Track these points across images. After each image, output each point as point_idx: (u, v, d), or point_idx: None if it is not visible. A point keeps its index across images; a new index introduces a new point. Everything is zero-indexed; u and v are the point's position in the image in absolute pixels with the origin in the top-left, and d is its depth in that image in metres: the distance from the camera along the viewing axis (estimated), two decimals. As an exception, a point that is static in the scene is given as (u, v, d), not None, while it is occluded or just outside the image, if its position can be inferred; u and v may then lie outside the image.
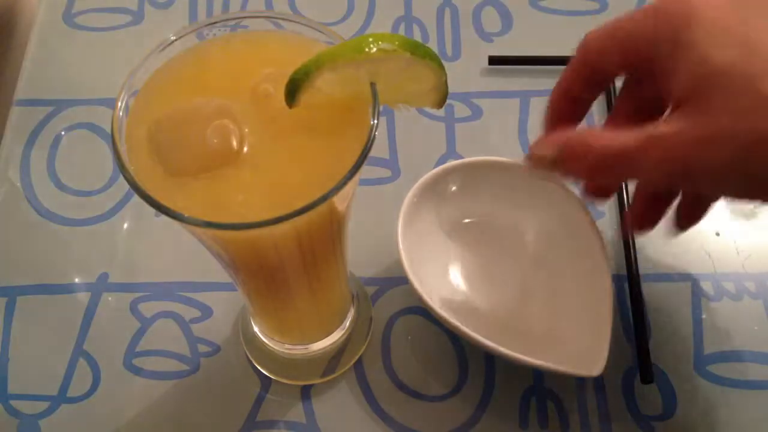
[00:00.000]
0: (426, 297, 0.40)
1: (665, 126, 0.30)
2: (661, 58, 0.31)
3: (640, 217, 0.39)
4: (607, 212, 0.49)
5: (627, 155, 0.31)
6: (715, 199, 0.39)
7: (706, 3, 0.30)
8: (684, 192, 0.38)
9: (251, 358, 0.45)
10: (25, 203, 0.50)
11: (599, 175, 0.34)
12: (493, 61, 0.55)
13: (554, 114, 0.37)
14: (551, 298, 0.43)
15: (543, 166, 0.34)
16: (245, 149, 0.30)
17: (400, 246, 0.41)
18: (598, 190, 0.39)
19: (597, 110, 0.53)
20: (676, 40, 0.30)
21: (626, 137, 0.31)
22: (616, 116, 0.37)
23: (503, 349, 0.39)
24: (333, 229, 0.33)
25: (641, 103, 0.36)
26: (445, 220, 0.45)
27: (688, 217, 0.39)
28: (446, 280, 0.44)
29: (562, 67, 0.57)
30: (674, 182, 0.34)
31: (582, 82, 0.36)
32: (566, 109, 0.37)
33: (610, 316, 0.40)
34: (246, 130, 0.30)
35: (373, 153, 0.29)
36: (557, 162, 0.33)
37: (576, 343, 0.40)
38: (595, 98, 0.37)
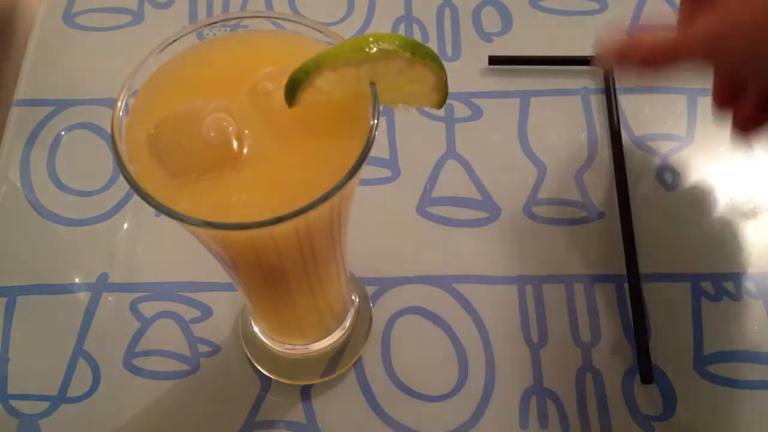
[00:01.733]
0: None
1: (702, 19, 0.37)
2: None
3: (747, 119, 0.41)
4: (607, 212, 0.49)
5: (674, 43, 0.38)
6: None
7: None
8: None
9: (251, 358, 0.45)
10: (25, 203, 0.50)
11: (652, 62, 0.39)
12: (493, 61, 0.55)
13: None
14: None
15: (607, 62, 0.42)
16: (245, 150, 0.30)
17: None
18: (746, 125, 0.41)
19: (597, 110, 0.53)
20: None
21: (671, 34, 0.38)
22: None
23: None
24: (333, 229, 0.33)
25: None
26: None
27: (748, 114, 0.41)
28: None
29: (562, 67, 0.57)
30: (713, 55, 0.38)
31: None
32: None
33: None
34: (246, 130, 0.30)
35: (373, 153, 0.29)
36: (618, 56, 0.40)
37: None
38: None
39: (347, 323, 0.45)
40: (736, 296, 0.46)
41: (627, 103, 0.53)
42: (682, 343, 0.45)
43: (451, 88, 0.32)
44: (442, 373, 0.44)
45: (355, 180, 0.29)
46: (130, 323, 0.46)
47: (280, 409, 0.43)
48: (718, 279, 0.46)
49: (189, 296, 0.47)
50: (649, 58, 0.39)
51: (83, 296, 0.47)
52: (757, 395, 0.43)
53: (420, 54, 0.29)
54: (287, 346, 0.44)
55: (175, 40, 0.32)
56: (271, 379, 0.44)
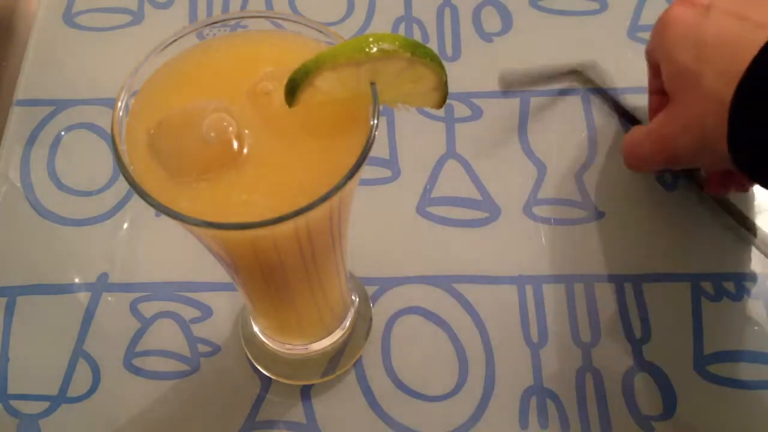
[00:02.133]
0: None
1: (654, 122, 0.44)
2: (658, 59, 0.44)
3: (713, 186, 0.47)
4: (607, 212, 0.49)
5: (635, 150, 0.46)
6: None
7: (677, 15, 0.41)
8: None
9: (251, 358, 0.45)
10: (25, 203, 0.50)
11: (633, 167, 0.48)
12: (505, 84, 0.53)
13: (651, 108, 0.49)
14: None
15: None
16: (246, 150, 0.30)
17: None
18: (717, 189, 0.48)
19: (597, 110, 0.53)
20: (659, 45, 0.43)
21: (636, 136, 0.46)
22: (652, 99, 0.49)
23: None
24: (333, 229, 0.33)
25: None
26: None
27: (715, 186, 0.48)
28: None
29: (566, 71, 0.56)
30: (669, 163, 0.44)
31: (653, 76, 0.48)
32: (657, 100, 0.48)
33: None
34: (246, 130, 0.30)
35: (373, 153, 0.29)
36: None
37: None
38: None
39: (347, 323, 0.45)
40: (736, 296, 0.46)
41: (627, 103, 0.52)
42: (682, 343, 0.45)
43: (451, 88, 0.32)
44: (442, 373, 0.44)
45: (355, 180, 0.29)
46: (130, 323, 0.46)
47: (280, 409, 0.43)
48: (718, 279, 0.46)
49: (189, 296, 0.47)
50: (627, 160, 0.47)
51: (83, 296, 0.47)
52: (757, 395, 0.43)
53: (420, 54, 0.29)
54: (287, 346, 0.44)
55: (175, 40, 0.32)
56: (271, 379, 0.44)
